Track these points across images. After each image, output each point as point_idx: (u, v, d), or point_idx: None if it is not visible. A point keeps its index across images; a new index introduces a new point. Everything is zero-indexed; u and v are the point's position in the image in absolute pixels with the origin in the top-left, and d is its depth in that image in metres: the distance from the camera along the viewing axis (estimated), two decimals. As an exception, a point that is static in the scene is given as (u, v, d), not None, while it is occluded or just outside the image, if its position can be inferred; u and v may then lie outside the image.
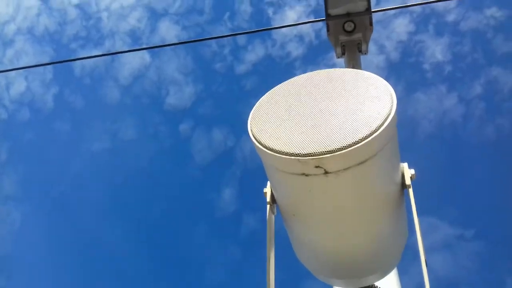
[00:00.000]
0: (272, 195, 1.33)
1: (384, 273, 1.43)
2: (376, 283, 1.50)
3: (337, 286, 1.55)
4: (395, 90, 1.16)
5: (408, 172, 1.30)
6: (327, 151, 1.04)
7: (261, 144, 1.13)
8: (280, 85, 1.30)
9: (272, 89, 1.30)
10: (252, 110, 1.25)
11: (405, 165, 1.31)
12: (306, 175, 1.08)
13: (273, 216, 1.34)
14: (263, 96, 1.28)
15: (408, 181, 1.28)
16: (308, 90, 1.24)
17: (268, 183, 1.34)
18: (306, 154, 1.06)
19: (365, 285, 1.45)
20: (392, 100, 1.13)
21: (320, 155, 1.05)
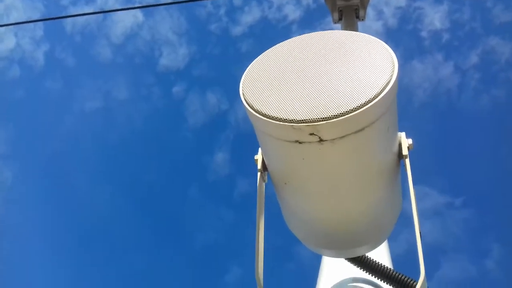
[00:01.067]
0: (263, 162, 1.29)
1: (375, 244, 1.41)
2: (367, 254, 1.48)
3: (326, 255, 1.53)
4: None
5: (406, 142, 1.25)
6: (323, 118, 0.99)
7: (253, 109, 1.07)
8: (274, 47, 1.24)
9: (266, 51, 1.23)
10: (245, 73, 1.18)
11: (402, 135, 1.26)
12: (300, 143, 1.03)
13: (263, 184, 1.30)
14: (256, 59, 1.22)
15: (405, 151, 1.23)
16: (304, 53, 1.18)
17: (260, 149, 1.29)
18: (300, 120, 1.00)
19: (356, 256, 1.43)
20: (394, 66, 1.06)
21: (315, 121, 0.99)
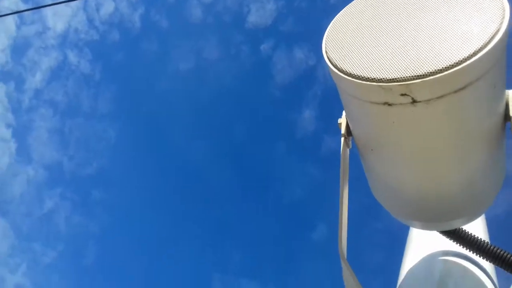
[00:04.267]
0: (347, 127, 1.18)
1: (472, 217, 1.27)
2: (463, 227, 1.35)
3: (417, 227, 1.41)
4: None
5: None
6: (417, 76, 0.87)
7: (337, 68, 0.97)
8: None
9: (352, 2, 1.11)
10: (328, 29, 1.08)
11: (510, 93, 1.10)
12: (390, 105, 0.92)
13: (347, 150, 1.20)
14: (341, 11, 1.10)
15: None
16: (395, 2, 1.04)
17: (344, 112, 1.19)
18: (390, 79, 0.88)
19: (450, 228, 1.30)
20: (504, 12, 0.91)
21: (407, 80, 0.87)
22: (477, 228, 1.58)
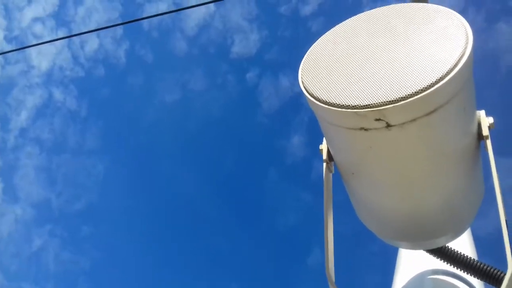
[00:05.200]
0: (328, 152, 1.22)
1: (456, 234, 1.29)
2: (448, 244, 1.37)
3: (403, 248, 1.43)
4: (473, 22, 0.98)
5: (486, 121, 1.13)
6: (389, 101, 0.90)
7: (313, 97, 1.00)
8: (333, 28, 1.15)
9: (326, 33, 1.15)
10: (303, 59, 1.11)
11: (481, 113, 1.14)
12: (366, 130, 0.95)
13: (330, 175, 1.23)
14: (315, 43, 1.15)
15: (485, 132, 1.11)
16: (366, 31, 1.09)
17: (324, 138, 1.22)
18: (364, 105, 0.92)
19: (435, 247, 1.32)
20: (467, 37, 0.95)
21: (381, 105, 0.91)
22: (464, 245, 1.60)
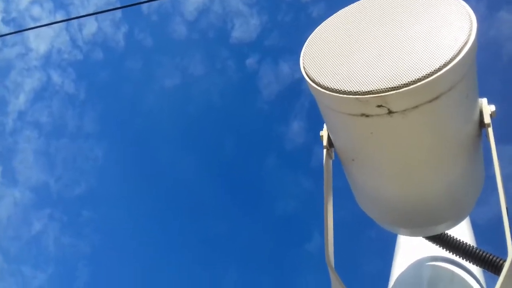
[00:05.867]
0: (329, 139, 1.21)
1: (456, 221, 1.29)
2: (447, 231, 1.38)
3: (402, 234, 1.44)
4: (475, 10, 0.97)
5: (488, 109, 1.12)
6: (392, 87, 0.89)
7: (314, 82, 1.00)
8: (337, 13, 1.14)
9: (328, 18, 1.14)
10: (305, 45, 1.10)
11: (483, 101, 1.13)
12: (367, 116, 0.94)
13: (330, 161, 1.23)
14: (316, 28, 1.13)
15: (487, 120, 1.10)
16: (370, 16, 1.08)
17: (325, 125, 1.22)
18: (366, 91, 0.91)
19: (435, 234, 1.33)
20: (471, 23, 0.94)
21: (383, 92, 0.90)
22: (463, 232, 1.60)
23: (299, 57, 1.08)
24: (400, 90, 0.89)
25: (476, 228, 1.73)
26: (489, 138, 1.10)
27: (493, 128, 1.11)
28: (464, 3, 1.00)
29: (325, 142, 1.21)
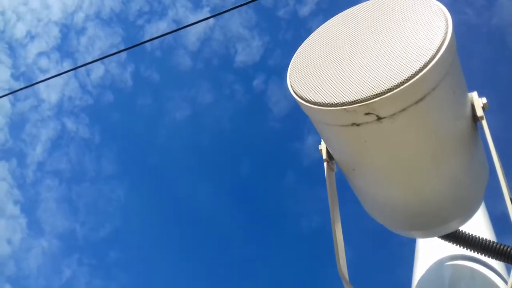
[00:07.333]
0: (327, 152, 1.23)
1: (467, 216, 1.28)
2: (461, 228, 1.36)
3: (415, 237, 1.43)
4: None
5: (479, 102, 1.12)
6: (377, 94, 0.91)
7: (302, 98, 1.02)
8: (316, 30, 1.17)
9: (309, 36, 1.17)
10: (290, 64, 1.13)
11: (474, 94, 1.14)
12: (357, 125, 0.96)
13: (332, 173, 1.24)
14: (299, 47, 1.16)
15: (480, 112, 1.11)
16: (349, 27, 1.10)
17: (322, 139, 1.23)
18: (352, 101, 0.93)
19: (448, 232, 1.32)
20: (447, 22, 0.96)
21: (368, 99, 0.92)
22: (481, 228, 1.59)
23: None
24: (385, 95, 0.91)
25: (495, 221, 1.70)
26: (484, 129, 1.10)
27: (487, 120, 1.11)
28: (438, 3, 1.02)
29: (324, 156, 1.23)
